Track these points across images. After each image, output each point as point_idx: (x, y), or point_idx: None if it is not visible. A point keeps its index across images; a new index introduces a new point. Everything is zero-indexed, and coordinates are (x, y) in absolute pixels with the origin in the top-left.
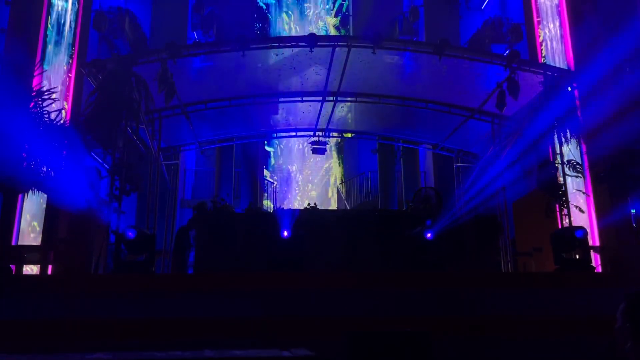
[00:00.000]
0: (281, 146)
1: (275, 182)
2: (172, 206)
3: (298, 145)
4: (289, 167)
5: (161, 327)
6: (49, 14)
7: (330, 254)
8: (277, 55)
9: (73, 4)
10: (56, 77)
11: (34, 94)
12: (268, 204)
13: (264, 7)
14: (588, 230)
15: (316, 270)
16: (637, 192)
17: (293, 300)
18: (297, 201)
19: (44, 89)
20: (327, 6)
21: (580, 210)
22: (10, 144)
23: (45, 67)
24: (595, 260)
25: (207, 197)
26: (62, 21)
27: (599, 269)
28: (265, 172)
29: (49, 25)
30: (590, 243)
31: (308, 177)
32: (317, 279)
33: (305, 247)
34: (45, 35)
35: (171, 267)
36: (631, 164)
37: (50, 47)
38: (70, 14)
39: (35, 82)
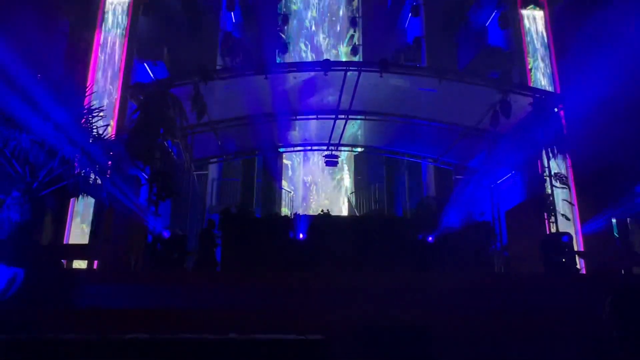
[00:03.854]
0: (298, 159)
1: (292, 192)
2: (201, 211)
3: (313, 158)
4: (305, 178)
5: (192, 315)
6: (100, 43)
7: (341, 255)
8: (295, 78)
9: (120, 36)
10: (104, 97)
11: (85, 111)
12: (285, 211)
13: (284, 37)
14: (574, 236)
15: (328, 269)
16: (618, 202)
17: (308, 295)
18: (312, 208)
19: (94, 107)
20: (339, 36)
21: (567, 218)
22: (64, 155)
23: (96, 88)
24: (580, 263)
25: (232, 204)
26: (111, 50)
27: (584, 271)
28: (283, 183)
29: (100, 54)
30: (576, 248)
31: (322, 187)
32: (329, 277)
33: (318, 249)
34: (97, 62)
35: (196, 264)
36: (613, 177)
37: (100, 72)
38: (118, 44)
39: (86, 101)
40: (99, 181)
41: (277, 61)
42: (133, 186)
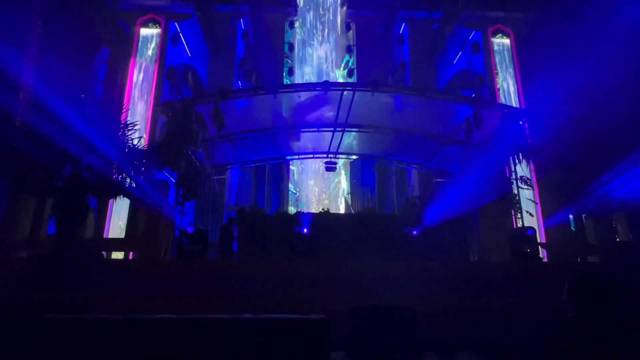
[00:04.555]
0: (302, 165)
1: (297, 193)
2: (220, 210)
3: (315, 165)
4: (308, 181)
5: (212, 298)
6: (134, 68)
7: (339, 247)
8: (299, 97)
9: (151, 62)
10: (138, 114)
11: (121, 126)
12: (292, 209)
13: (290, 62)
14: (537, 229)
15: (328, 258)
16: (574, 200)
17: (311, 281)
18: (314, 207)
19: (129, 122)
20: (337, 61)
21: (530, 214)
22: (105, 163)
23: (131, 106)
24: (543, 252)
25: (246, 204)
26: (144, 74)
27: (546, 260)
28: (290, 185)
29: (134, 77)
30: (539, 239)
31: (322, 189)
32: (329, 265)
33: (319, 242)
34: (132, 84)
35: (216, 255)
36: (569, 179)
37: (135, 92)
38: (150, 69)
39: (122, 117)
40: (133, 185)
41: (285, 82)
42: (162, 189)
